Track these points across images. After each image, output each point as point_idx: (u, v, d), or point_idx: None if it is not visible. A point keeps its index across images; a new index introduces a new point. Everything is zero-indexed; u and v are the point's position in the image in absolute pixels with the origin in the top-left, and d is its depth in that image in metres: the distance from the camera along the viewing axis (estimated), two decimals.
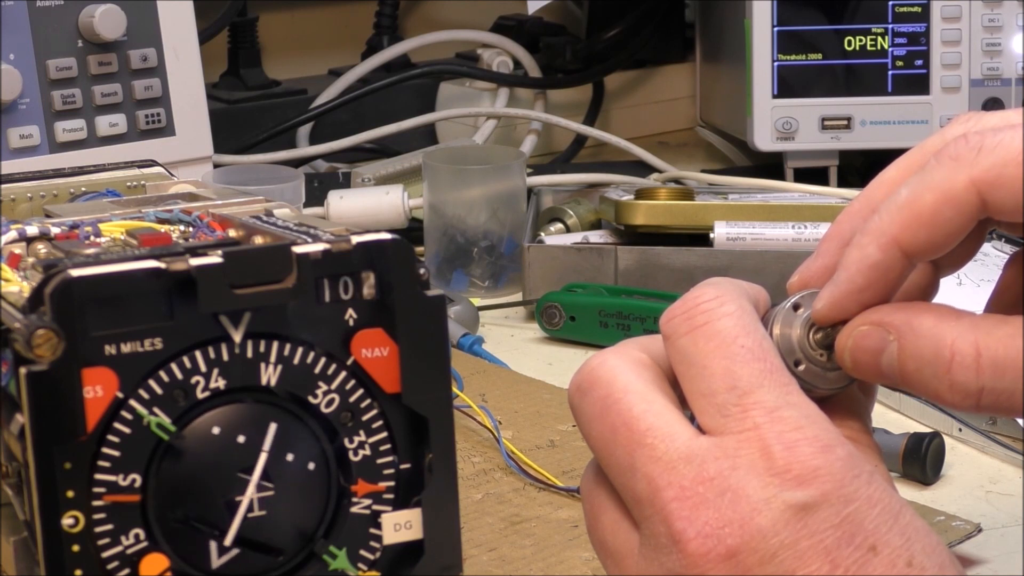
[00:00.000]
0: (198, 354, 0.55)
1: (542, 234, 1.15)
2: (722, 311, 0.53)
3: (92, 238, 0.65)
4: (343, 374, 0.57)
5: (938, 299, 0.57)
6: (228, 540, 0.55)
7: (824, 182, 1.31)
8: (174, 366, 0.54)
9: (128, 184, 0.79)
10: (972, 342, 0.50)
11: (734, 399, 0.52)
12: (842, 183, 1.31)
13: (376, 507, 0.58)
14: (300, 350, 0.56)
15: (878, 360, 0.52)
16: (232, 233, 0.64)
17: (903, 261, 0.53)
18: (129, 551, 0.54)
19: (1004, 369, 0.50)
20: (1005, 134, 0.51)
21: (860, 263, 0.53)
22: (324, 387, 0.57)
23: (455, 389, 0.83)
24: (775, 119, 1.31)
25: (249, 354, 0.55)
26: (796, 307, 0.55)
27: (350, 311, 0.57)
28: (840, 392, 0.56)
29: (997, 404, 0.50)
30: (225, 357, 0.55)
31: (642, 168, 1.36)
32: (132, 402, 0.54)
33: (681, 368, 0.53)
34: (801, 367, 0.55)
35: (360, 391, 0.57)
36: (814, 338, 0.55)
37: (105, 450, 0.53)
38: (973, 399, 0.50)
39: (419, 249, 1.15)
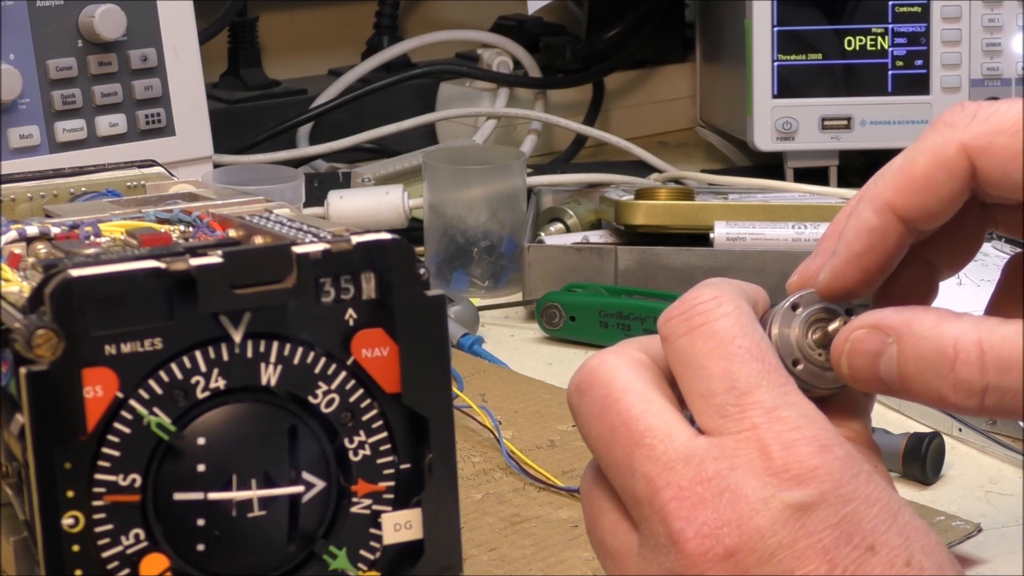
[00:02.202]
0: (198, 354, 0.55)
1: (542, 234, 1.15)
2: (720, 312, 0.53)
3: (92, 238, 0.65)
4: (343, 374, 0.57)
5: (938, 298, 0.58)
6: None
7: (824, 182, 1.31)
8: (174, 366, 0.54)
9: (128, 184, 0.79)
10: (975, 340, 0.50)
11: (732, 399, 0.52)
12: (842, 183, 1.31)
13: (376, 507, 0.58)
14: (300, 350, 0.56)
15: (876, 364, 0.52)
16: (232, 233, 0.64)
17: (900, 226, 0.53)
18: (129, 551, 0.54)
19: (1009, 368, 0.50)
20: (1001, 105, 0.52)
21: (857, 228, 0.53)
22: (324, 387, 0.57)
23: (455, 389, 0.83)
24: (775, 119, 1.31)
25: (249, 354, 0.55)
26: (795, 307, 0.55)
27: (350, 311, 0.57)
28: (839, 392, 0.56)
29: (1000, 404, 0.50)
30: (225, 357, 0.55)
31: (642, 168, 1.36)
32: (132, 402, 0.54)
33: (679, 369, 0.53)
34: (799, 367, 0.55)
35: (360, 391, 0.57)
36: (812, 338, 0.55)
37: (105, 450, 0.53)
38: (977, 398, 0.50)
39: (419, 249, 1.15)
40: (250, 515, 0.55)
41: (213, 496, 0.54)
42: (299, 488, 0.56)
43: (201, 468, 0.54)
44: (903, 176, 0.52)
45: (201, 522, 0.55)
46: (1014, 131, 0.51)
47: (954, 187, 0.52)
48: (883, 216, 0.53)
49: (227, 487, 0.55)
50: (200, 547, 0.55)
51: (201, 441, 0.54)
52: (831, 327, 0.55)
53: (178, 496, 0.54)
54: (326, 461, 0.57)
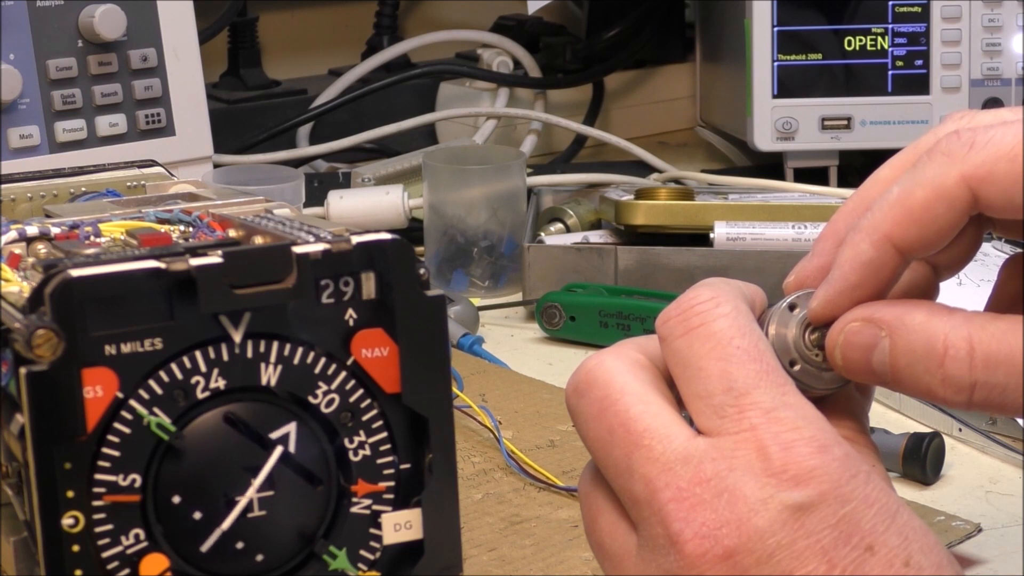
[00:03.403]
0: (198, 354, 0.55)
1: (542, 234, 1.15)
2: (717, 312, 0.53)
3: (92, 238, 0.65)
4: (343, 374, 0.57)
5: (939, 298, 0.58)
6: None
7: (824, 182, 1.31)
8: (174, 366, 0.54)
9: (128, 184, 0.79)
10: (965, 336, 0.50)
11: (731, 400, 0.52)
12: (842, 183, 1.31)
13: (376, 507, 0.58)
14: (300, 350, 0.56)
15: (869, 357, 0.52)
16: (232, 233, 0.64)
17: (896, 258, 0.53)
18: (129, 551, 0.54)
19: (997, 364, 0.50)
20: (997, 131, 0.51)
21: (853, 260, 0.53)
22: (324, 387, 0.57)
23: (455, 389, 0.83)
24: (775, 119, 1.31)
25: (249, 354, 0.55)
26: (792, 307, 0.55)
27: (350, 311, 0.57)
28: (836, 392, 0.56)
29: (989, 400, 0.50)
30: (225, 357, 0.55)
31: (642, 168, 1.36)
32: (132, 402, 0.54)
33: (677, 370, 0.53)
34: (796, 367, 0.55)
35: (360, 391, 0.57)
36: (810, 338, 0.55)
37: (105, 450, 0.54)
38: (966, 394, 0.50)
39: (419, 249, 1.15)
40: (250, 515, 0.55)
41: (228, 524, 0.55)
42: (278, 449, 0.56)
43: (198, 516, 0.55)
44: (901, 208, 0.52)
45: (240, 545, 0.55)
46: (1013, 155, 0.50)
47: (954, 218, 0.52)
48: (880, 249, 0.53)
49: (231, 505, 0.55)
50: (239, 544, 0.55)
51: (177, 499, 0.54)
52: (828, 327, 0.55)
53: (205, 547, 0.55)
54: (326, 461, 0.57)
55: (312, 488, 0.56)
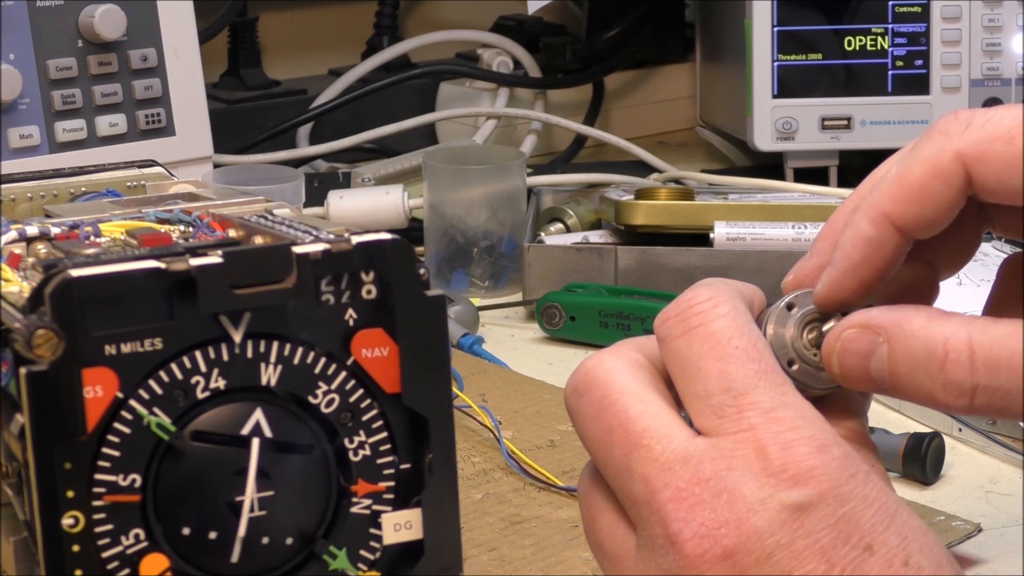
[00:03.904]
0: (198, 354, 0.55)
1: (542, 234, 1.15)
2: (716, 312, 0.53)
3: (92, 238, 0.65)
4: (343, 374, 0.57)
5: (938, 298, 0.58)
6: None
7: (824, 182, 1.31)
8: (174, 366, 0.54)
9: (128, 184, 0.79)
10: (966, 340, 0.50)
11: (729, 400, 0.52)
12: (842, 183, 1.31)
13: (376, 507, 0.58)
14: (300, 350, 0.56)
15: (867, 364, 0.52)
16: (232, 233, 0.64)
17: (896, 236, 0.53)
18: (129, 551, 0.54)
19: (999, 367, 0.50)
20: (996, 113, 0.52)
21: (854, 239, 0.53)
22: (324, 387, 0.57)
23: (455, 389, 0.83)
24: (775, 119, 1.31)
25: (249, 354, 0.55)
26: (790, 307, 0.55)
27: (350, 311, 0.57)
28: (835, 392, 0.56)
29: (991, 404, 0.50)
30: (225, 357, 0.55)
31: (642, 168, 1.36)
32: (132, 402, 0.54)
33: (676, 370, 0.53)
34: (795, 367, 0.55)
35: (360, 391, 0.57)
36: (808, 338, 0.55)
37: (105, 450, 0.54)
38: (967, 398, 0.50)
39: (419, 249, 1.15)
40: (251, 515, 0.55)
41: (243, 530, 0.55)
42: (255, 442, 0.55)
43: (213, 536, 0.55)
44: (899, 186, 0.52)
45: (266, 540, 0.55)
46: (1009, 138, 0.51)
47: (950, 196, 0.52)
48: (880, 227, 0.53)
49: (238, 512, 0.55)
50: (264, 540, 0.56)
51: (187, 530, 0.54)
52: (826, 327, 0.55)
53: (234, 558, 0.55)
54: (326, 460, 0.57)
55: (308, 455, 0.56)
